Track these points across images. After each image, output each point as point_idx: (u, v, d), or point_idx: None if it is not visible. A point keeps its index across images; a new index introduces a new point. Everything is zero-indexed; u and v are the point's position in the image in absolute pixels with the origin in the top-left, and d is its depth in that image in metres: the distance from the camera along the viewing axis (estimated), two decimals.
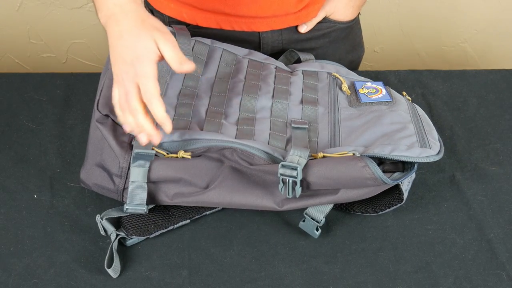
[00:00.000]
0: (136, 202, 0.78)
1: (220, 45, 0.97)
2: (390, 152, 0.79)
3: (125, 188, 0.80)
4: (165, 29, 0.75)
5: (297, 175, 0.76)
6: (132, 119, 0.73)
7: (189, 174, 0.79)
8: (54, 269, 0.79)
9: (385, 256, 0.82)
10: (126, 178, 0.79)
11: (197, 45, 0.95)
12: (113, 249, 0.78)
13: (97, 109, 0.77)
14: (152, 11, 1.07)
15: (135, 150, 0.77)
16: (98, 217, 0.80)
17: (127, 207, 0.78)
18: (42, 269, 0.79)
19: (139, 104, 0.72)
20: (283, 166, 0.76)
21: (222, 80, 0.91)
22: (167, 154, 0.79)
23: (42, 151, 0.95)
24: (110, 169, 0.79)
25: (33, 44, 1.68)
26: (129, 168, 0.78)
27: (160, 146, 0.79)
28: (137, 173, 0.77)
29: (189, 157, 0.79)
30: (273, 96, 0.90)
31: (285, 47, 1.05)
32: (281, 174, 0.77)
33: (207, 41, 0.96)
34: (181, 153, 0.79)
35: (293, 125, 0.85)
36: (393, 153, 0.79)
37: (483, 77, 1.13)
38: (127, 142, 0.78)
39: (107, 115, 0.77)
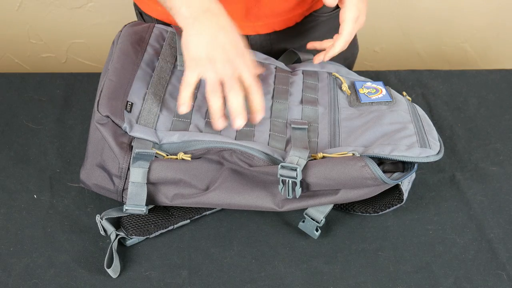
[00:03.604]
0: (135, 202, 0.78)
1: None
2: (390, 152, 0.79)
3: (124, 189, 0.80)
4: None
5: (296, 175, 0.76)
6: (219, 103, 0.77)
7: (189, 176, 0.79)
8: (54, 269, 0.79)
9: (385, 256, 0.82)
10: (126, 178, 0.79)
11: None
12: (113, 249, 0.78)
13: (97, 110, 0.77)
14: (141, 14, 1.07)
15: (135, 150, 0.77)
16: (98, 217, 0.80)
17: (126, 208, 0.78)
18: (42, 269, 0.79)
19: (240, 88, 0.77)
20: (282, 167, 0.76)
21: None
22: (167, 155, 0.79)
23: (42, 151, 0.95)
24: (109, 169, 0.79)
25: (32, 44, 1.68)
26: (128, 169, 0.78)
27: (159, 147, 0.79)
28: (137, 174, 0.77)
29: (189, 159, 0.79)
30: (273, 96, 0.90)
31: (273, 46, 1.05)
32: (281, 175, 0.77)
33: None
34: (181, 155, 0.79)
35: (292, 125, 0.85)
36: (393, 153, 0.79)
37: (483, 77, 1.13)
38: (127, 143, 0.78)
39: (107, 116, 0.77)
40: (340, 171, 0.77)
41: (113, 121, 0.78)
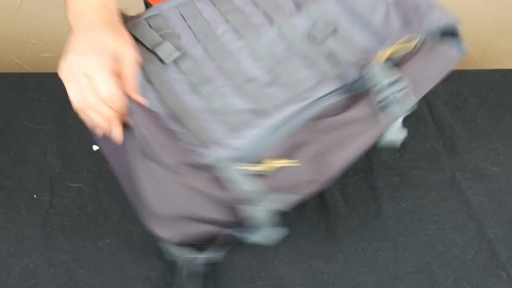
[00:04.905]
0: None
1: (170, 4, 0.78)
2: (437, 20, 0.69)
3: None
4: (132, 44, 0.69)
5: (398, 89, 0.65)
6: (97, 116, 0.65)
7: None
8: (53, 269, 0.79)
9: (385, 256, 0.82)
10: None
11: (153, 21, 0.77)
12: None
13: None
14: (147, 5, 1.07)
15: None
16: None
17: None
18: (42, 269, 0.79)
19: (95, 97, 0.64)
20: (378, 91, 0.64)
21: (210, 39, 0.75)
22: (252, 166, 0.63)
23: (42, 151, 0.95)
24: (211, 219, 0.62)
25: (33, 44, 1.68)
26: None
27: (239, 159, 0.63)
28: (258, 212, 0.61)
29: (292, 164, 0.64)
30: (273, 22, 0.74)
31: None
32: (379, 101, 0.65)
33: (158, 9, 0.78)
34: (276, 162, 0.63)
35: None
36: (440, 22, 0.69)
37: (483, 77, 1.13)
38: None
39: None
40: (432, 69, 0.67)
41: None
